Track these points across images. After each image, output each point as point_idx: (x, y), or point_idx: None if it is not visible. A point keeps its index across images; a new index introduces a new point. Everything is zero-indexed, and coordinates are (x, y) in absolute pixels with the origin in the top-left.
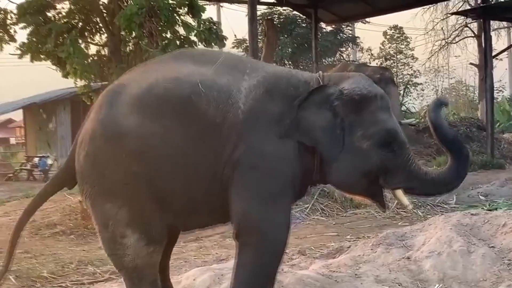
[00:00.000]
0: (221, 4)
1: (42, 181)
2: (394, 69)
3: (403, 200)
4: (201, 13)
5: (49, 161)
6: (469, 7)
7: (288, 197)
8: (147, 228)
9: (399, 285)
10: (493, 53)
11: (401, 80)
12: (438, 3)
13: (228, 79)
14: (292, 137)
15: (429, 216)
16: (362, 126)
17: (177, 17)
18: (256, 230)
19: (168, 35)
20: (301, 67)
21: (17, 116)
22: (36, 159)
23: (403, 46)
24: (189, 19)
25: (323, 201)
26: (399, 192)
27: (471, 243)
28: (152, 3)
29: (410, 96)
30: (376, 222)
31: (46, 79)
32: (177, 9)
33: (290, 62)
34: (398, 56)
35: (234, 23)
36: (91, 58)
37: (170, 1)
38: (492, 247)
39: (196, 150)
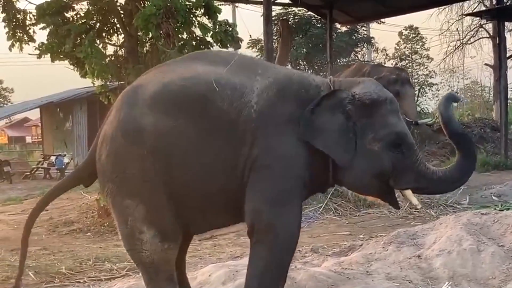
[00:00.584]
0: (237, 4)
1: (58, 180)
2: (409, 69)
3: (412, 200)
4: (217, 15)
5: (66, 160)
6: (484, 8)
7: (299, 196)
8: (162, 225)
9: (409, 282)
10: (508, 54)
11: (417, 81)
12: (453, 4)
13: (241, 78)
14: (306, 141)
15: (441, 216)
16: (373, 129)
17: (193, 18)
18: (269, 228)
19: (185, 36)
20: (316, 67)
21: (33, 115)
22: (53, 158)
23: (418, 47)
24: (205, 20)
25: (337, 200)
26: (409, 192)
27: (480, 242)
28: (169, 4)
29: (425, 96)
30: (389, 221)
31: (62, 78)
32: (194, 10)
33: (305, 62)
34: (413, 56)
35: (249, 23)
36: (108, 59)
37: (187, 2)
38: (501, 246)
39: (211, 147)
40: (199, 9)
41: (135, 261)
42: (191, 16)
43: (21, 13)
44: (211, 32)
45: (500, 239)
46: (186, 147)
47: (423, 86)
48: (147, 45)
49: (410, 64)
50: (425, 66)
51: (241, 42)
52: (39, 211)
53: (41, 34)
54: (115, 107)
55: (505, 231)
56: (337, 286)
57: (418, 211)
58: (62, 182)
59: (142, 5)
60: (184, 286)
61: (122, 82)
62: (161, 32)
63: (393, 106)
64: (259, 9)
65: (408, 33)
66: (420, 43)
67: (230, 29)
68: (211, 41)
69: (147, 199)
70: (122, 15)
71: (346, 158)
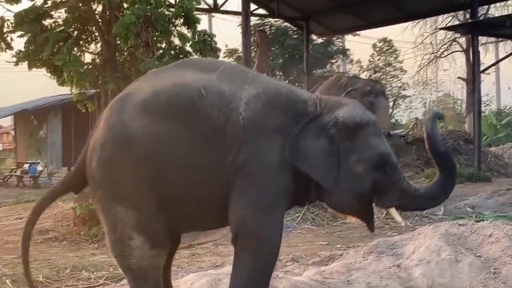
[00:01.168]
0: (213, 13)
1: (32, 187)
2: (383, 81)
3: (397, 217)
4: (197, 25)
5: (39, 168)
6: (458, 22)
7: (283, 205)
8: (152, 231)
9: None
10: (481, 68)
11: (390, 92)
12: (428, 18)
13: (230, 86)
14: (291, 164)
15: (417, 226)
16: (357, 151)
17: (172, 28)
18: (254, 235)
19: (164, 45)
20: (292, 78)
21: (4, 122)
22: (26, 166)
23: (392, 59)
24: (184, 30)
25: (314, 210)
26: (393, 210)
27: (458, 252)
28: (148, 13)
29: (398, 108)
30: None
31: (36, 86)
32: (173, 20)
33: (281, 73)
34: (387, 69)
35: (225, 32)
36: (86, 67)
37: (167, 12)
38: (478, 256)
39: (200, 153)
40: (178, 19)
41: (123, 267)
42: (171, 25)
43: None
44: (190, 42)
45: (478, 250)
46: (175, 152)
47: (397, 98)
48: (126, 53)
49: (384, 76)
50: (399, 78)
51: (220, 52)
52: (33, 224)
53: (18, 42)
54: (105, 115)
55: (482, 241)
56: None
57: (394, 222)
58: (53, 191)
59: (121, 14)
60: None
61: (99, 90)
62: (140, 41)
63: (376, 128)
64: (235, 19)
65: (382, 45)
66: (394, 56)
67: (209, 39)
68: (190, 50)
69: (137, 205)
70: (100, 24)
71: (329, 181)
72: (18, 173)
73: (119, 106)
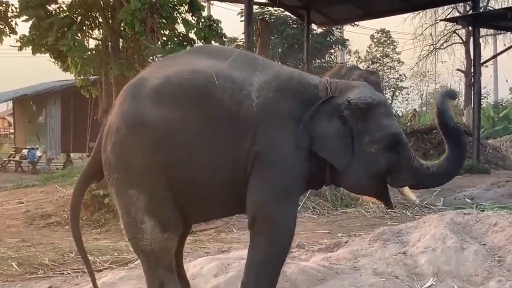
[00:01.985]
0: (212, 1)
1: (30, 173)
2: (380, 72)
3: (411, 196)
4: (201, 11)
5: (38, 153)
6: (458, 14)
7: (298, 192)
8: (163, 215)
9: (395, 278)
10: (481, 60)
11: (387, 83)
12: (428, 9)
13: (241, 73)
14: (306, 147)
15: (417, 216)
16: (369, 132)
17: (177, 15)
18: (270, 220)
19: (167, 32)
20: (291, 67)
21: (0, 107)
22: (25, 151)
23: (389, 50)
24: (188, 17)
25: (315, 199)
26: (406, 189)
27: (464, 240)
28: (153, 0)
29: (395, 99)
30: (366, 221)
31: (35, 71)
32: (178, 6)
33: (280, 62)
34: (384, 60)
35: (224, 20)
36: (90, 52)
37: None
38: (483, 244)
39: (213, 140)
40: (183, 5)
41: (136, 249)
42: (175, 12)
43: (3, 5)
44: (195, 29)
45: (482, 238)
46: (188, 139)
47: (394, 90)
48: (129, 40)
49: (381, 67)
50: (396, 70)
51: (225, 38)
52: (77, 221)
53: (21, 27)
54: (119, 101)
55: (487, 230)
56: (326, 280)
57: (394, 211)
58: (78, 185)
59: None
60: (181, 276)
61: (101, 76)
62: (146, 27)
63: (387, 108)
64: (234, 7)
65: (380, 36)
66: (392, 47)
67: (215, 24)
68: (194, 37)
69: (149, 190)
70: (104, 10)
71: (344, 163)
72: (17, 158)
73: (133, 91)
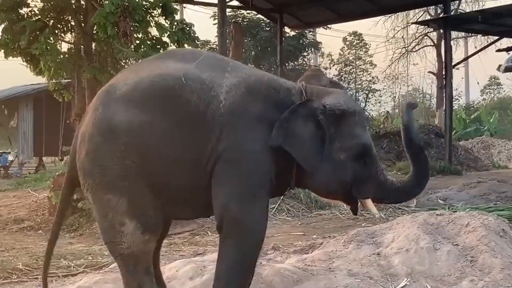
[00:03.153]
0: (184, 4)
1: (2, 177)
2: (353, 75)
3: (373, 209)
4: (174, 15)
5: (10, 157)
6: (429, 17)
7: (266, 192)
8: (143, 217)
9: (370, 278)
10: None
11: (360, 86)
12: (399, 13)
13: (210, 74)
14: (279, 146)
15: (391, 218)
16: (340, 139)
17: (150, 18)
18: (238, 222)
19: (140, 36)
20: (264, 70)
21: None
22: None
23: (362, 53)
24: (162, 21)
25: (289, 201)
26: (369, 202)
27: (436, 241)
28: (126, 3)
29: (368, 102)
30: (340, 223)
31: (7, 75)
32: (151, 10)
33: (253, 65)
34: (357, 62)
35: (197, 23)
36: (62, 56)
37: (144, 2)
38: (456, 245)
39: (180, 140)
40: (156, 9)
41: (114, 253)
42: (148, 16)
43: None
44: (168, 32)
45: (455, 239)
46: (158, 140)
47: (366, 92)
48: (103, 43)
49: (354, 69)
50: (369, 72)
51: (198, 41)
52: (57, 234)
53: None
54: (91, 108)
55: (459, 231)
56: (301, 282)
57: (368, 213)
58: (62, 194)
59: (98, 3)
60: (158, 279)
61: (73, 80)
62: (118, 30)
63: (361, 118)
64: (207, 10)
65: (352, 39)
66: (364, 49)
67: (188, 28)
68: (167, 41)
69: (127, 193)
70: (76, 13)
71: (313, 165)
72: None
73: (104, 99)
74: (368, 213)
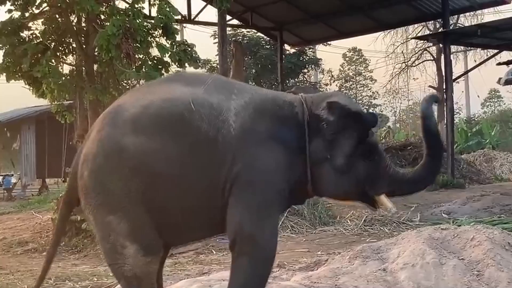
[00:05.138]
0: (185, 25)
1: (6, 200)
2: (353, 90)
3: (387, 204)
4: (175, 35)
5: (13, 180)
6: (428, 32)
7: (278, 209)
8: (145, 239)
9: None
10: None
11: (361, 102)
12: (399, 28)
13: (218, 98)
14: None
15: (395, 233)
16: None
17: (151, 39)
18: (251, 240)
19: (142, 56)
20: (266, 88)
21: None
22: None
23: (362, 68)
24: (163, 41)
25: (293, 218)
26: (383, 197)
27: (442, 256)
28: (128, 25)
29: None
30: (344, 238)
31: (9, 97)
32: (152, 31)
33: (254, 83)
34: (357, 78)
35: (197, 43)
36: (64, 78)
37: (145, 23)
38: (461, 259)
39: (192, 166)
40: (157, 30)
41: (117, 275)
42: (150, 36)
43: None
44: (169, 53)
45: (460, 253)
46: (167, 166)
47: (367, 108)
48: (104, 64)
49: (354, 85)
50: (369, 88)
51: (199, 62)
52: (54, 253)
53: None
54: (95, 128)
55: (465, 245)
56: None
57: (372, 228)
58: (60, 214)
59: (99, 25)
60: None
61: (75, 101)
62: (121, 52)
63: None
64: (206, 30)
65: (352, 55)
66: (364, 65)
67: (189, 49)
68: (169, 61)
69: (129, 215)
70: (78, 35)
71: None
72: None
73: (110, 119)
74: (372, 229)
